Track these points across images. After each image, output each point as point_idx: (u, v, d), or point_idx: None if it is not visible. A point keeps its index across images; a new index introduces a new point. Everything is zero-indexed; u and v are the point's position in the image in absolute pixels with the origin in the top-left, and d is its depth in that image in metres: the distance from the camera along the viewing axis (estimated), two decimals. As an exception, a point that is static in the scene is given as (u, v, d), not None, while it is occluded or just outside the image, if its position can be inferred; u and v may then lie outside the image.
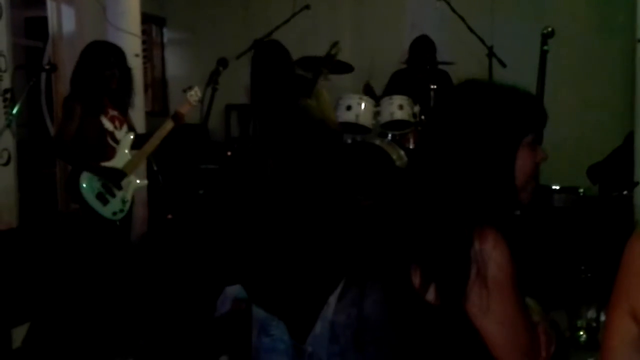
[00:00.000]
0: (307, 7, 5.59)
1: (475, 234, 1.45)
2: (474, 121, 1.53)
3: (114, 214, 3.86)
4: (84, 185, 3.79)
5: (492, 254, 1.44)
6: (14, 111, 3.56)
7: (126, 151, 3.97)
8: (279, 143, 3.74)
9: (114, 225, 3.88)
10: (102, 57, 3.87)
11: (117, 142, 3.95)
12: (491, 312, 1.44)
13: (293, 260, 2.92)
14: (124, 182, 3.92)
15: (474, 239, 1.44)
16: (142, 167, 5.51)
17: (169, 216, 5.56)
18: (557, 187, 4.87)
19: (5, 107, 5.05)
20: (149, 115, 6.02)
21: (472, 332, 1.47)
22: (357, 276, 1.70)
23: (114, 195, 3.87)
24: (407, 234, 1.56)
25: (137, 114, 5.50)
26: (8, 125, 3.79)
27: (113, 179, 3.87)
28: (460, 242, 1.45)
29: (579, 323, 1.99)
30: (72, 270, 3.88)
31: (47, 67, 3.98)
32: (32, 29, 6.79)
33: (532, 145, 1.56)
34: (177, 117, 4.03)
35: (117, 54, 3.96)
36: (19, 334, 3.67)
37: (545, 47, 3.60)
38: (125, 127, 4.03)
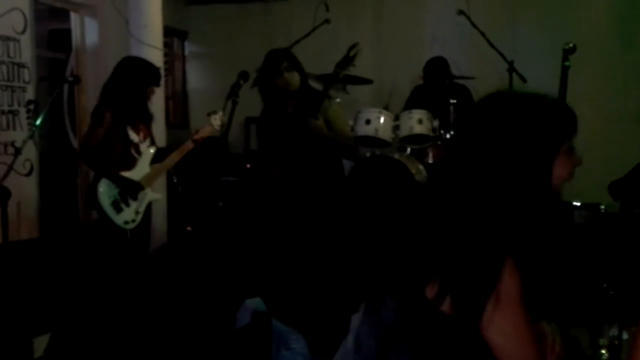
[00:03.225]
0: (327, 21, 5.62)
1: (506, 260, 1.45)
2: (510, 132, 1.52)
3: (126, 222, 3.98)
4: (102, 190, 3.92)
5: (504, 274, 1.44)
6: (37, 122, 3.59)
7: (146, 164, 4.11)
8: (290, 157, 3.73)
9: (125, 234, 3.99)
10: (143, 75, 4.08)
11: (139, 153, 4.08)
12: (499, 326, 1.45)
13: (313, 274, 2.92)
14: (140, 194, 4.05)
15: (504, 266, 1.44)
16: (161, 180, 5.56)
17: (189, 228, 5.59)
18: (578, 204, 4.84)
19: (28, 118, 5.12)
20: (170, 127, 6.07)
21: (482, 343, 1.48)
22: (375, 287, 1.70)
23: (128, 205, 3.99)
24: (431, 249, 1.54)
25: (158, 125, 5.56)
26: (31, 137, 3.82)
27: (130, 190, 4.00)
28: (492, 267, 1.44)
29: (601, 341, 1.97)
30: (93, 280, 3.91)
31: (70, 79, 4.06)
32: (56, 41, 6.87)
33: (568, 153, 1.56)
34: (197, 142, 4.20)
35: (156, 73, 4.18)
36: (40, 343, 3.70)
37: (567, 63, 3.58)
38: (148, 140, 4.17)
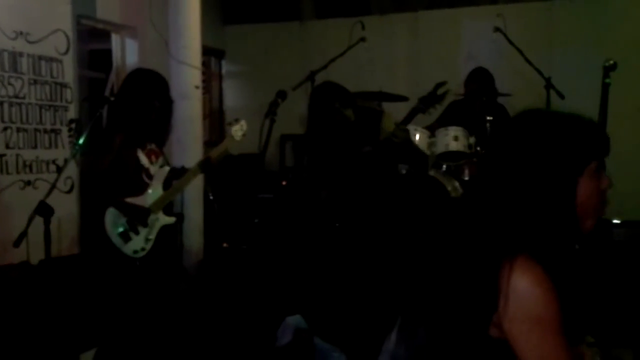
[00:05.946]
0: (362, 39, 5.65)
1: (505, 263, 1.45)
2: (533, 150, 1.53)
3: (135, 252, 3.63)
4: (109, 220, 3.60)
5: (527, 288, 1.43)
6: (80, 142, 3.63)
7: (159, 186, 3.72)
8: (345, 175, 3.78)
9: (134, 263, 3.65)
10: (144, 86, 3.66)
11: (150, 177, 3.71)
12: (531, 346, 1.43)
13: (354, 292, 2.92)
14: (150, 220, 3.66)
15: (502, 268, 1.44)
16: (197, 197, 5.61)
17: (225, 244, 5.63)
18: (618, 221, 4.77)
19: (70, 136, 5.23)
20: (207, 145, 6.14)
21: None
22: (411, 311, 1.70)
23: (137, 233, 3.63)
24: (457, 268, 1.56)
25: (196, 143, 5.64)
26: (74, 156, 3.87)
27: (138, 217, 3.62)
28: (485, 271, 1.46)
29: (647, 362, 1.94)
30: (133, 297, 3.94)
31: (112, 98, 3.96)
32: (95, 61, 7.02)
33: (595, 173, 1.54)
34: (207, 164, 3.75)
35: (159, 83, 3.73)
36: (86, 359, 3.75)
37: (607, 80, 3.55)
38: (160, 161, 3.80)
